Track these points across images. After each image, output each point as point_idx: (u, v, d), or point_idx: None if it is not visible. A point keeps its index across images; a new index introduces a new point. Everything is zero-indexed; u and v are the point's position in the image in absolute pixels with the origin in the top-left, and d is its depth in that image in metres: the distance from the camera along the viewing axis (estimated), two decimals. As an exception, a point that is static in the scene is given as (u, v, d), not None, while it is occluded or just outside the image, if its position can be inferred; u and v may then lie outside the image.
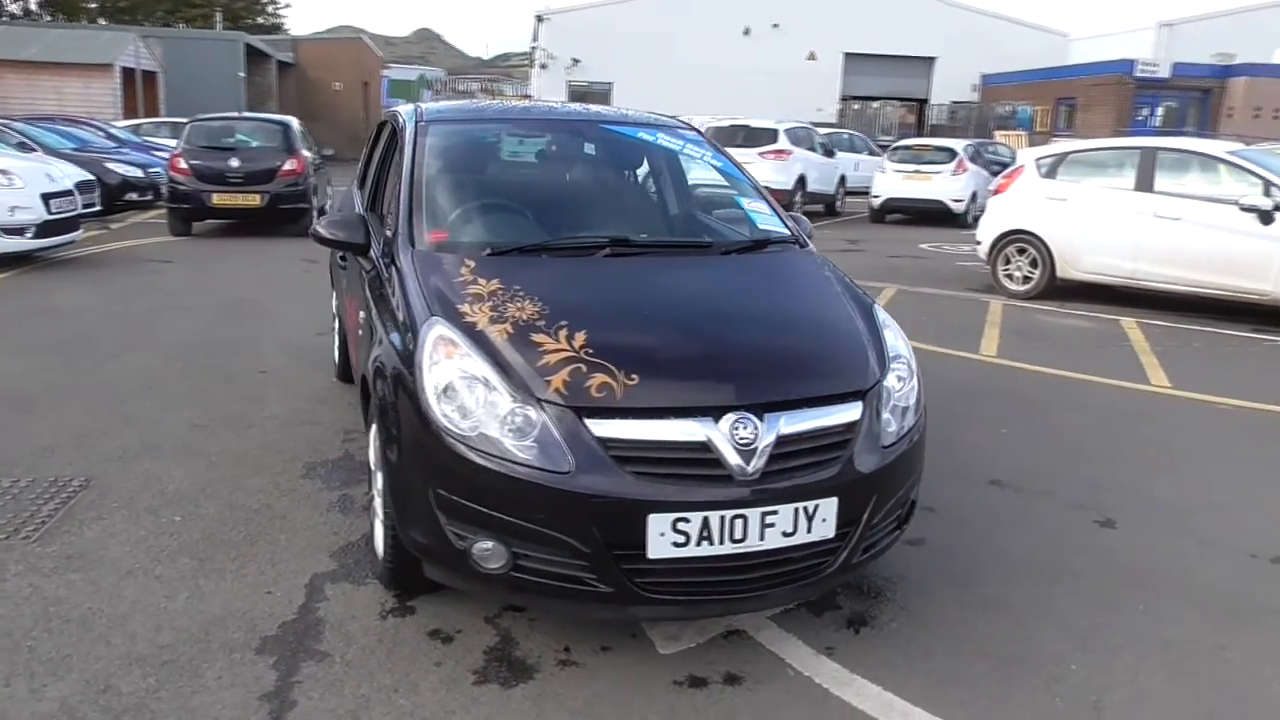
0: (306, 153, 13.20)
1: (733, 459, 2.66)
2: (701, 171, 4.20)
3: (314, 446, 4.62)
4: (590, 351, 2.79)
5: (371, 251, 3.68)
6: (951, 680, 2.88)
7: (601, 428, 2.65)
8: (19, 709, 2.62)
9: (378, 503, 3.23)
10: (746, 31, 43.33)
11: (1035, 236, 9.52)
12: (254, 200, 12.34)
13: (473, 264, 3.24)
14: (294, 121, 13.74)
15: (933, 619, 3.22)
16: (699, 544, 2.65)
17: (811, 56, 43.51)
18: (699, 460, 2.67)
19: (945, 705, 2.76)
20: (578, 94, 42.05)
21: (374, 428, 3.17)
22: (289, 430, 4.85)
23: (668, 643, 3.03)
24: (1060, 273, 9.38)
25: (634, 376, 2.72)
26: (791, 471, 2.73)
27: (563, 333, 2.86)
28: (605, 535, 2.64)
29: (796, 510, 2.72)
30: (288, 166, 12.54)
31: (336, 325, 5.67)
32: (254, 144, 13.02)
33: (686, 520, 2.63)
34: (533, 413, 2.70)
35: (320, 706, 2.67)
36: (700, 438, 2.67)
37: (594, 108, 5.08)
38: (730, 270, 3.48)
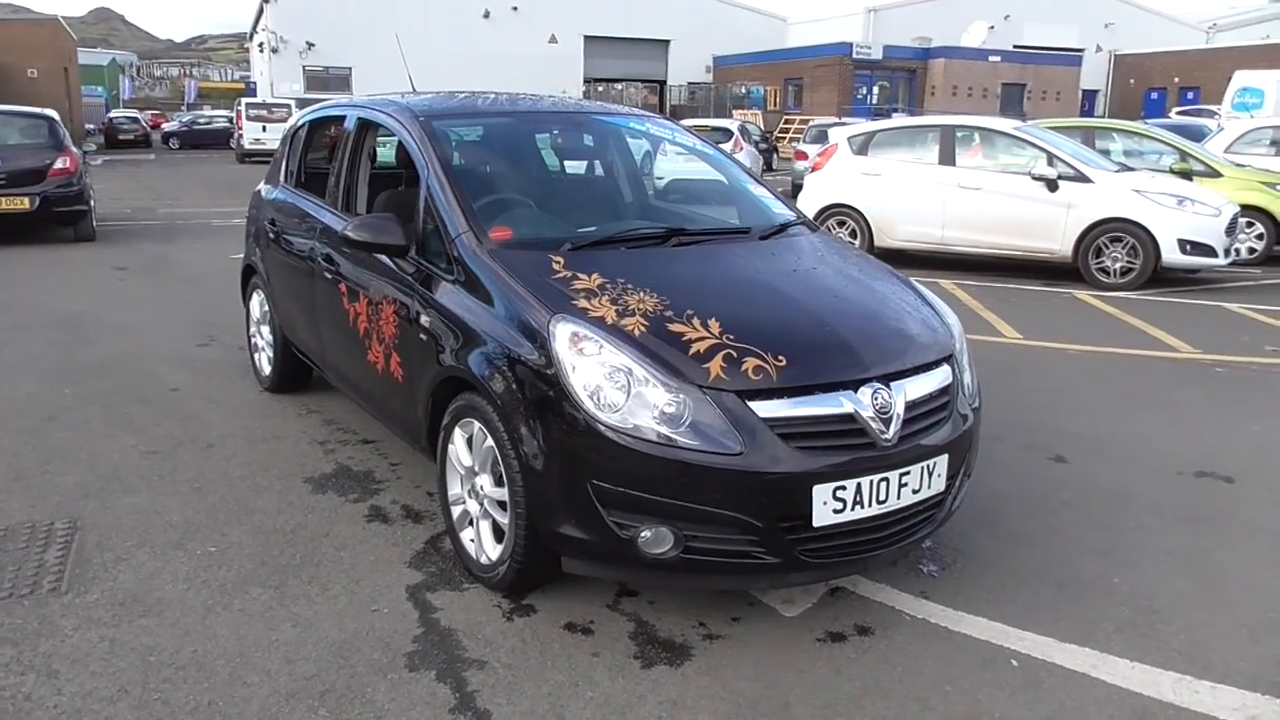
0: (75, 149, 11.93)
1: (876, 427, 2.91)
2: (698, 160, 4.39)
3: (299, 462, 4.40)
4: (732, 337, 2.93)
5: (410, 254, 3.59)
6: (1035, 605, 3.28)
7: (764, 408, 2.82)
8: (207, 762, 2.44)
9: (490, 505, 3.21)
10: (486, 15, 43.12)
11: (854, 209, 10.37)
12: (22, 204, 11.02)
13: (561, 259, 3.27)
14: (56, 114, 12.34)
15: (984, 556, 3.63)
16: (853, 508, 2.89)
17: (553, 39, 43.97)
18: (848, 431, 2.90)
19: (1044, 625, 3.15)
20: (316, 79, 40.16)
21: (485, 431, 3.14)
22: (258, 449, 4.57)
23: (786, 606, 3.24)
24: (878, 241, 10.27)
25: (781, 358, 2.90)
26: (917, 434, 3.02)
27: (696, 321, 2.98)
28: (776, 509, 2.81)
29: (923, 469, 3.02)
30: (59, 165, 11.29)
31: (265, 334, 5.35)
32: (13, 141, 11.60)
33: (844, 488, 2.86)
34: (691, 399, 2.81)
35: (516, 711, 2.68)
36: (848, 410, 2.90)
37: (573, 101, 5.12)
38: (787, 253, 3.69)
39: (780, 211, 4.12)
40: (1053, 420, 5.19)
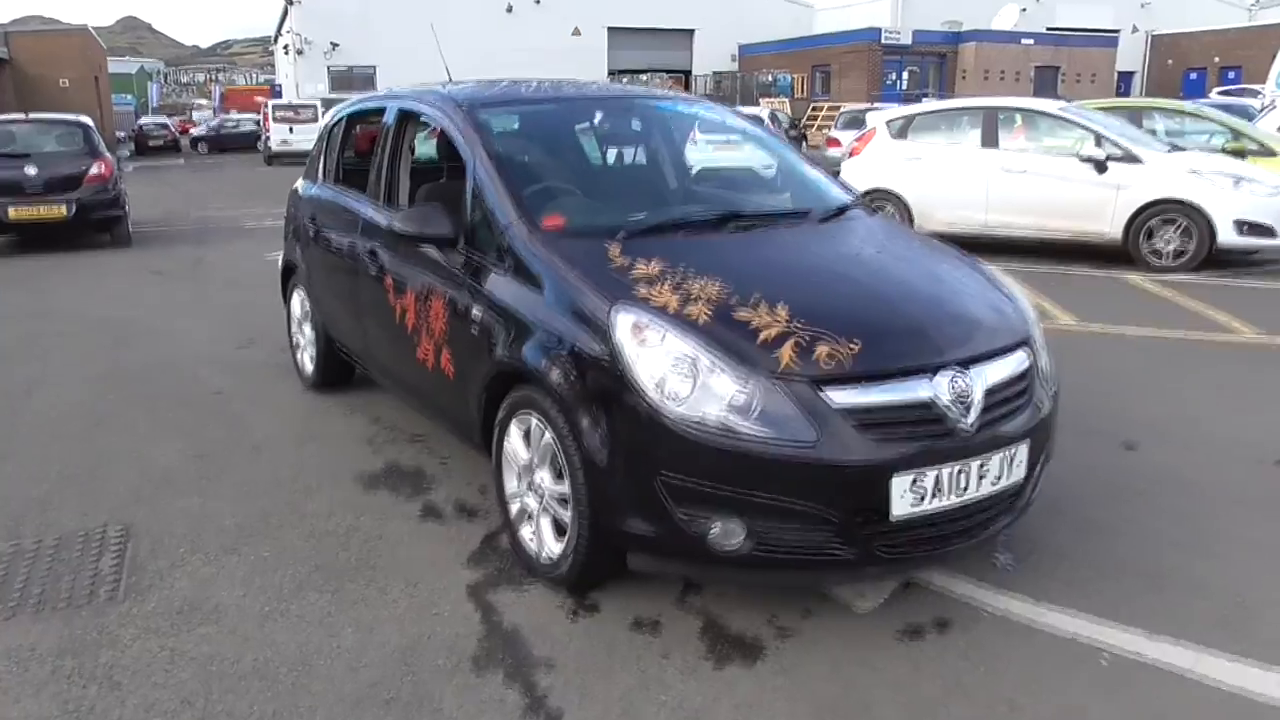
0: (109, 155, 11.98)
1: (955, 415, 2.78)
2: (750, 143, 4.27)
3: (347, 461, 4.33)
4: (802, 322, 2.81)
5: (459, 245, 3.50)
6: (1119, 599, 3.14)
7: (839, 396, 2.70)
8: (275, 773, 2.37)
9: (550, 501, 3.11)
10: (509, 9, 43.06)
11: (894, 194, 10.18)
12: (59, 211, 11.06)
13: (617, 246, 3.16)
14: (90, 120, 12.40)
15: (1060, 546, 3.48)
16: (931, 500, 2.76)
17: (576, 32, 43.87)
18: (927, 419, 2.77)
19: (1131, 620, 3.00)
20: (340, 79, 40.29)
21: (544, 425, 3.04)
22: (305, 449, 4.51)
23: (858, 600, 3.12)
24: (919, 225, 10.06)
25: (855, 342, 2.77)
26: (996, 422, 2.89)
27: (762, 306, 2.86)
28: (852, 501, 2.70)
29: (1003, 457, 2.88)
30: (94, 171, 11.33)
31: (307, 333, 5.29)
32: (49, 148, 11.65)
33: (923, 478, 2.73)
34: (761, 388, 2.70)
35: (589, 714, 2.58)
36: (926, 397, 2.77)
37: (613, 85, 5.00)
38: (849, 236, 3.57)
39: (837, 194, 3.99)
40: (1118, 406, 5.02)
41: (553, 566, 3.13)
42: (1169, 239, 8.79)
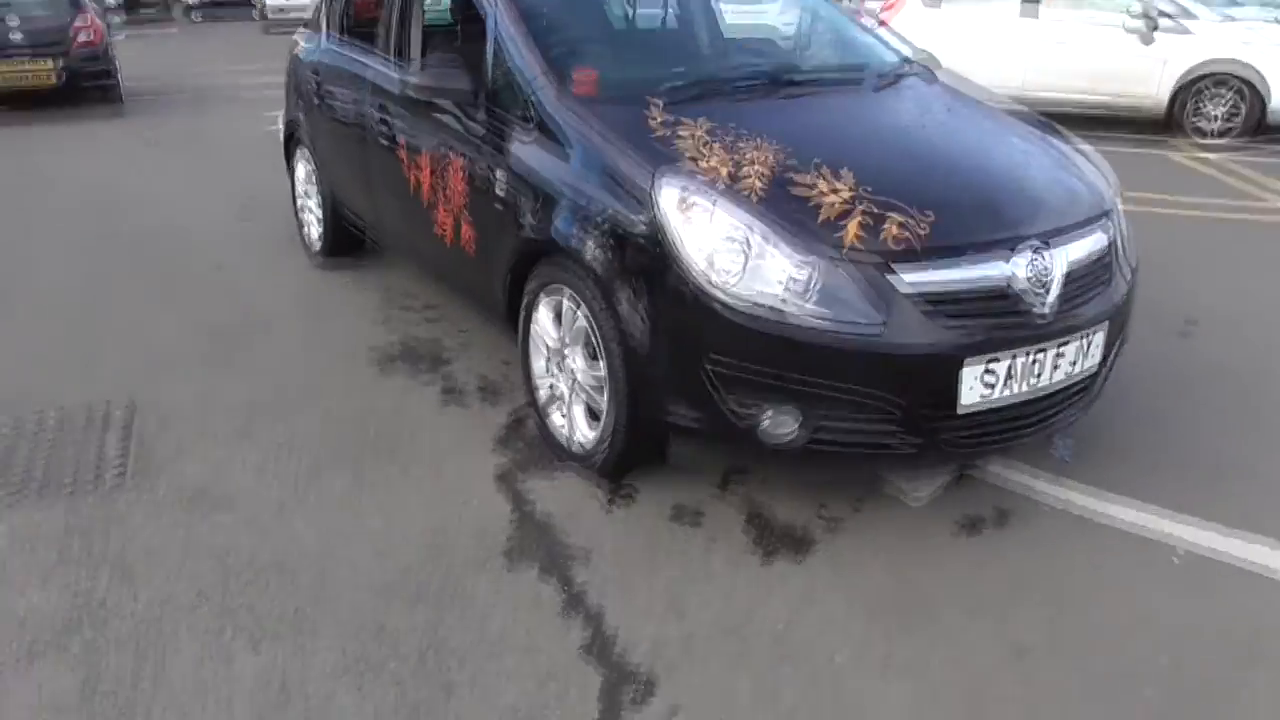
0: (95, 6, 11.37)
1: (1033, 297, 2.54)
2: (799, 3, 3.89)
3: (360, 338, 4.10)
4: (869, 191, 2.54)
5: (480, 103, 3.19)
6: (1185, 491, 2.95)
7: (909, 276, 2.45)
8: (302, 672, 2.22)
9: (583, 386, 2.90)
10: None
11: (923, 65, 9.65)
12: (49, 79, 10.52)
13: (659, 105, 2.86)
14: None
15: (1120, 435, 3.28)
16: (1003, 389, 2.55)
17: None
18: (1002, 301, 2.53)
19: (1201, 515, 2.82)
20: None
21: (577, 304, 2.80)
22: (316, 325, 4.28)
23: (911, 490, 2.94)
24: (948, 99, 9.60)
25: (927, 216, 2.51)
26: (1075, 304, 2.65)
27: (824, 173, 2.59)
28: (919, 392, 2.48)
29: (1080, 343, 2.65)
30: (83, 37, 10.73)
31: (313, 201, 4.99)
32: (35, 11, 10.99)
33: (995, 366, 2.51)
34: (822, 265, 2.44)
35: (631, 609, 2.43)
36: (1002, 277, 2.52)
37: None
38: (911, 100, 3.26)
39: (894, 56, 3.64)
40: (1170, 288, 4.74)
41: (585, 454, 2.94)
42: (1219, 105, 8.35)
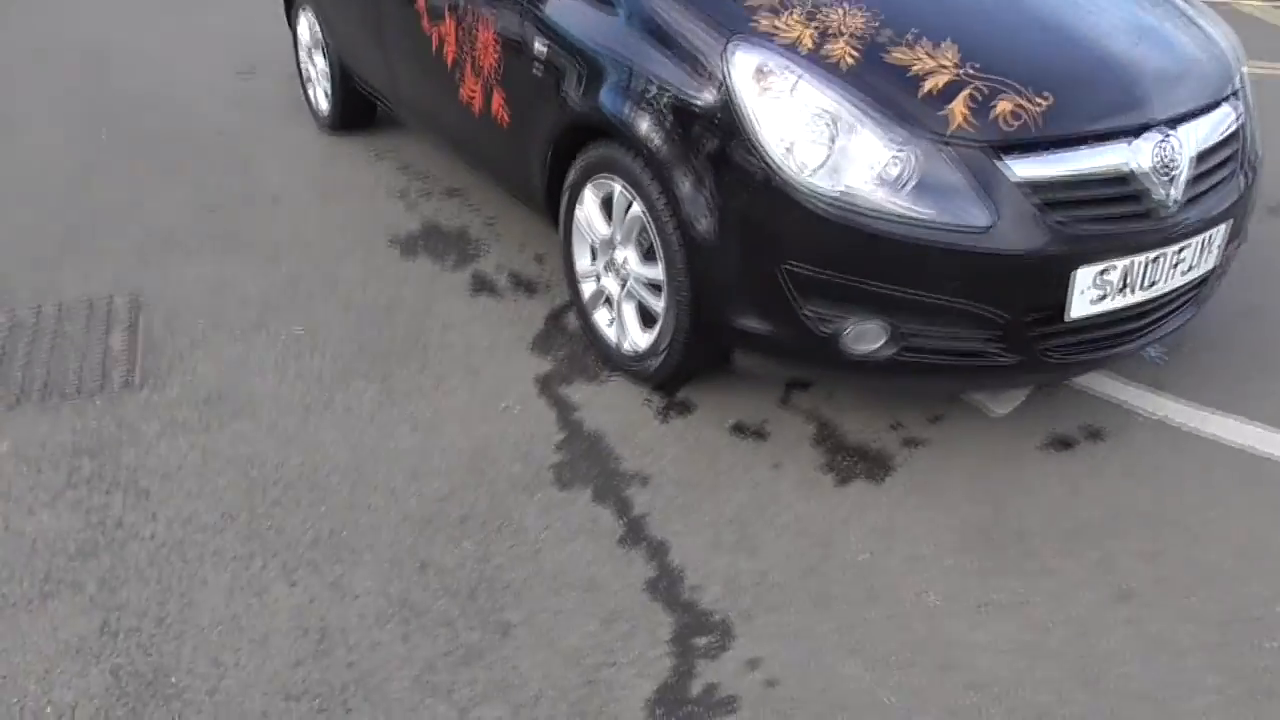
0: None
1: (1158, 189, 2.22)
2: None
3: (379, 219, 3.78)
4: (976, 67, 2.19)
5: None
6: (1291, 400, 2.71)
7: (1023, 167, 2.12)
8: (339, 611, 2.02)
9: (636, 286, 2.61)
10: None
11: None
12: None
13: (726, -40, 2.46)
14: None
15: (1217, 337, 3.00)
16: (1117, 296, 2.26)
17: None
18: (1124, 196, 2.21)
19: (1311, 426, 2.59)
20: None
21: (631, 193, 2.49)
22: (329, 204, 3.94)
23: (993, 403, 2.69)
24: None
25: (1045, 95, 2.16)
26: (1201, 197, 2.33)
27: (924, 45, 2.22)
28: (1027, 299, 2.19)
29: (1201, 241, 2.35)
30: None
31: (319, 63, 4.56)
32: None
33: (1112, 270, 2.21)
34: (921, 154, 2.12)
35: (697, 542, 2.21)
36: (1125, 167, 2.19)
37: None
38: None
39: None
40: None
41: (637, 360, 2.67)
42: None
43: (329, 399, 2.70)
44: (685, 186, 2.32)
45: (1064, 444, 2.54)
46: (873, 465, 2.45)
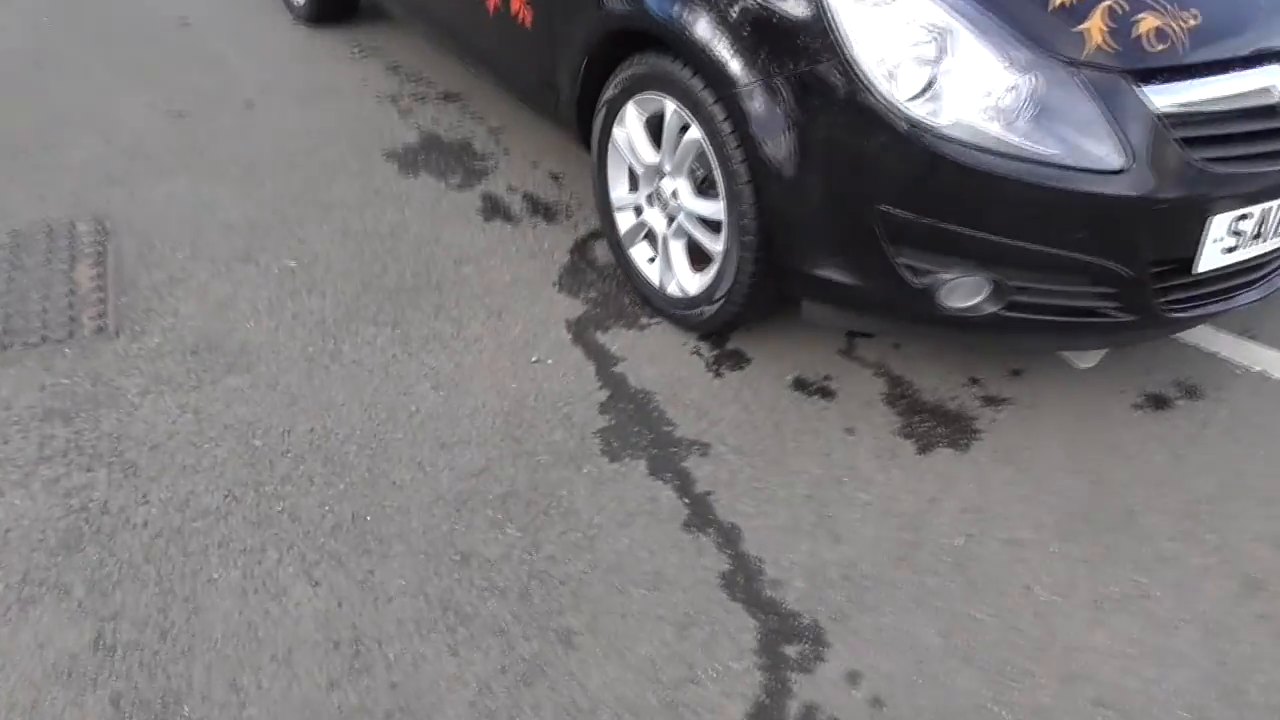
0: None
1: (1305, 123, 1.91)
2: None
3: (371, 128, 3.38)
4: (1109, -21, 1.84)
5: None
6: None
7: (1166, 96, 1.81)
8: (373, 618, 1.75)
9: (688, 222, 2.29)
10: None
11: None
12: None
13: None
14: None
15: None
16: (1248, 245, 1.98)
17: None
18: (1267, 131, 1.90)
19: None
20: None
21: (686, 115, 2.14)
22: (312, 109, 3.52)
23: (1077, 357, 2.42)
24: None
25: (1192, 11, 1.83)
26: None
27: (1049, -49, 1.87)
28: (1154, 250, 1.90)
29: (1338, 181, 2.06)
30: None
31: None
32: None
33: (1248, 217, 1.93)
34: (1048, 81, 1.80)
35: (773, 524, 1.96)
36: (1270, 96, 1.88)
37: None
38: None
39: None
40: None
41: (687, 305, 2.37)
42: None
43: (335, 349, 2.37)
44: (759, 111, 1.98)
45: (1159, 402, 2.29)
46: (955, 430, 2.20)
